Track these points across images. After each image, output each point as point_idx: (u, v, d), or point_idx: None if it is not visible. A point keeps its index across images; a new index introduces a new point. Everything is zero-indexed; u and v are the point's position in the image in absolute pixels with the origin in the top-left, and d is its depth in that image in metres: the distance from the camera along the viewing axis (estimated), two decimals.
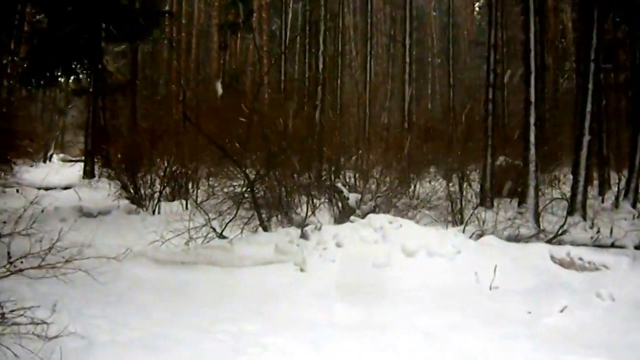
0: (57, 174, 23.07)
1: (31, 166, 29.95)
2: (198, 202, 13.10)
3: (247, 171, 9.03)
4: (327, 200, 10.51)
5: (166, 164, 13.46)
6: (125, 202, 13.14)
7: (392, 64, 26.81)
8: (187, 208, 12.80)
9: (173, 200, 13.74)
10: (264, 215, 9.28)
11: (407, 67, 18.93)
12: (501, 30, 17.61)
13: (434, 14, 35.22)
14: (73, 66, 10.68)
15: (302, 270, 7.12)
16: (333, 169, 10.73)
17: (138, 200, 12.99)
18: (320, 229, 7.88)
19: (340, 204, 10.04)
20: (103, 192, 15.37)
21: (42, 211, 9.84)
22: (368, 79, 22.32)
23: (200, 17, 34.23)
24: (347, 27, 25.08)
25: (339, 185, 10.06)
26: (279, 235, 7.84)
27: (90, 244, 9.40)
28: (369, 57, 22.28)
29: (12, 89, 34.84)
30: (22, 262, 4.70)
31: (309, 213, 9.79)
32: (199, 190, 14.12)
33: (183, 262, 7.35)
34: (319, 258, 7.36)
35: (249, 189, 8.52)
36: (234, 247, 7.51)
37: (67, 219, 11.72)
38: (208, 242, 8.15)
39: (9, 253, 4.79)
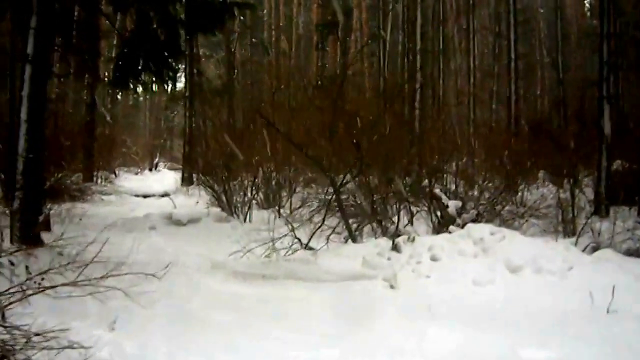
0: (158, 182, 23.52)
1: (136, 174, 30.89)
2: (292, 209, 12.83)
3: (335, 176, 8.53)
4: (425, 208, 9.83)
5: (260, 171, 13.19)
6: (216, 210, 12.92)
7: (497, 62, 25.59)
8: (279, 216, 12.44)
9: (268, 207, 13.43)
10: (354, 225, 8.72)
11: (512, 63, 17.82)
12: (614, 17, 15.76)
13: (541, 11, 33.49)
14: (155, 67, 10.36)
15: (392, 286, 6.48)
16: (433, 173, 10.04)
17: (229, 208, 12.73)
18: (414, 240, 7.22)
19: (439, 213, 9.33)
20: (200, 199, 15.33)
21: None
22: (471, 79, 21.34)
23: (299, 20, 34.24)
24: (447, 23, 24.10)
25: (438, 191, 9.34)
26: (367, 247, 7.24)
27: (175, 252, 9.34)
28: (471, 54, 21.30)
29: (115, 98, 36.11)
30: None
31: (405, 222, 9.17)
32: (293, 198, 13.81)
33: (264, 276, 6.89)
34: (411, 273, 6.71)
35: (335, 196, 7.96)
36: (318, 260, 7.00)
37: (156, 227, 11.65)
38: (293, 253, 7.66)
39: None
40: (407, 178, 11.12)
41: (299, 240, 7.75)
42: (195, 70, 23.57)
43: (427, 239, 7.38)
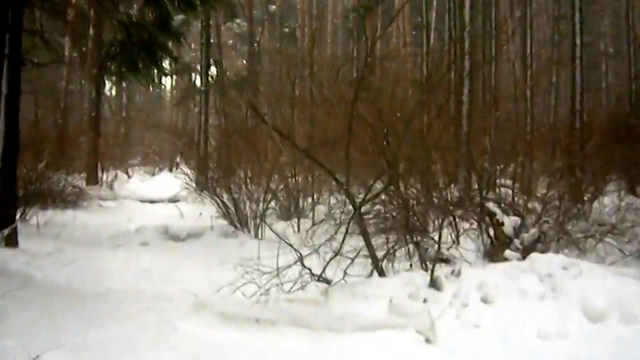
0: (172, 184, 22.36)
1: (152, 175, 29.85)
2: (314, 222, 11.44)
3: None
4: (474, 225, 8.39)
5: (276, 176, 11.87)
6: (223, 223, 11.62)
7: (558, 50, 23.90)
8: (298, 231, 11.08)
9: (287, 218, 12.08)
10: (383, 247, 7.32)
11: (577, 49, 16.13)
12: None
13: None
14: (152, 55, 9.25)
15: (428, 340, 5.06)
16: (484, 181, 8.62)
17: (238, 220, 11.40)
18: (459, 274, 5.79)
19: (492, 231, 7.89)
20: (210, 207, 13.95)
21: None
22: (529, 68, 19.73)
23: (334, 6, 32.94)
24: (500, 3, 22.48)
25: (492, 204, 7.88)
26: (397, 283, 5.80)
27: (161, 278, 8.06)
28: (528, 40, 19.69)
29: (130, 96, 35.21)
30: None
31: (451, 243, 7.76)
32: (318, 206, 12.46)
33: (258, 320, 5.52)
34: (454, 321, 5.28)
35: (356, 216, 6.57)
36: (330, 301, 5.61)
37: (149, 242, 10.48)
38: (302, 287, 6.25)
39: None
40: (452, 186, 9.72)
41: (310, 271, 6.34)
42: (213, 61, 22.44)
43: (476, 272, 5.92)
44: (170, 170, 33.87)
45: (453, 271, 5.85)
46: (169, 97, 46.09)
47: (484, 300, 5.44)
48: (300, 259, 6.34)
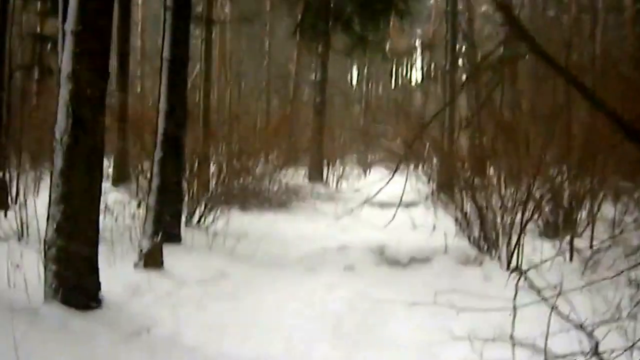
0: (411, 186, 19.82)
1: (391, 173, 27.65)
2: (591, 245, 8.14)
3: None
4: None
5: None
6: (462, 244, 8.76)
7: None
8: (571, 259, 7.91)
9: (554, 236, 8.88)
10: None
11: None
12: None
13: None
14: None
15: None
16: None
17: (484, 240, 8.43)
18: None
19: None
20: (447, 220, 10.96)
21: None
22: None
23: None
24: None
25: None
26: None
27: (356, 335, 5.45)
28: None
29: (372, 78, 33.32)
30: None
31: None
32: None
33: None
34: None
35: None
36: None
37: (355, 267, 7.99)
38: None
39: None
40: None
41: None
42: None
43: None
44: (417, 167, 31.41)
45: None
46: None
47: None
48: (594, 346, 3.28)
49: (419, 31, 41.84)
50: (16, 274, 5.40)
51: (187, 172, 9.89)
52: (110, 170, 13.38)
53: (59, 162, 5.22)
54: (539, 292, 3.03)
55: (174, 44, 8.48)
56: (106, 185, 11.62)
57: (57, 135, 5.24)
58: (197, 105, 14.10)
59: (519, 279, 3.06)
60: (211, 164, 11.62)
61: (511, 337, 3.02)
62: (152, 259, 6.62)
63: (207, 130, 12.89)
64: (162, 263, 6.76)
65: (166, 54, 8.48)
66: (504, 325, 3.25)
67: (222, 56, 24.88)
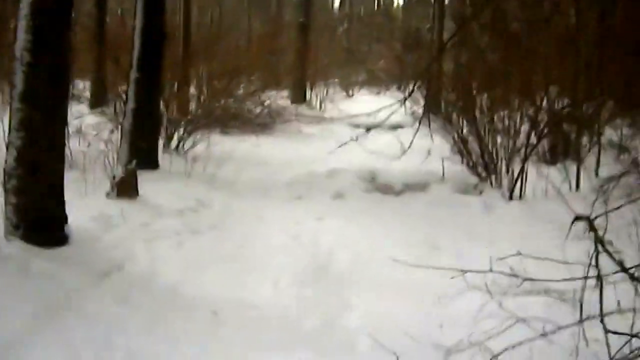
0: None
1: (377, 94, 27.00)
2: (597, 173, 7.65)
3: None
4: None
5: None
6: (460, 169, 8.26)
7: None
8: (577, 187, 7.42)
9: (554, 162, 8.35)
10: None
11: None
12: None
13: None
14: None
15: None
16: None
17: (483, 166, 7.91)
18: None
19: None
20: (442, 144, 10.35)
21: None
22: None
23: None
24: None
25: None
26: None
27: (349, 266, 4.94)
28: None
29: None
30: None
31: None
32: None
33: None
34: None
35: None
36: None
37: (345, 195, 7.48)
38: None
39: None
40: None
41: None
42: None
43: None
44: (399, 88, 30.78)
45: None
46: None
47: None
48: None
49: None
50: None
51: (166, 94, 9.33)
52: (88, 94, 12.75)
53: (19, 83, 4.61)
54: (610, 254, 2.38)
55: None
56: (81, 108, 11.09)
57: (17, 53, 4.61)
58: (177, 27, 13.41)
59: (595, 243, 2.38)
60: (191, 86, 11.06)
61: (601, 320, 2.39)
62: (125, 188, 6.09)
63: (187, 51, 12.27)
64: (137, 192, 6.25)
65: None
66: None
67: None
